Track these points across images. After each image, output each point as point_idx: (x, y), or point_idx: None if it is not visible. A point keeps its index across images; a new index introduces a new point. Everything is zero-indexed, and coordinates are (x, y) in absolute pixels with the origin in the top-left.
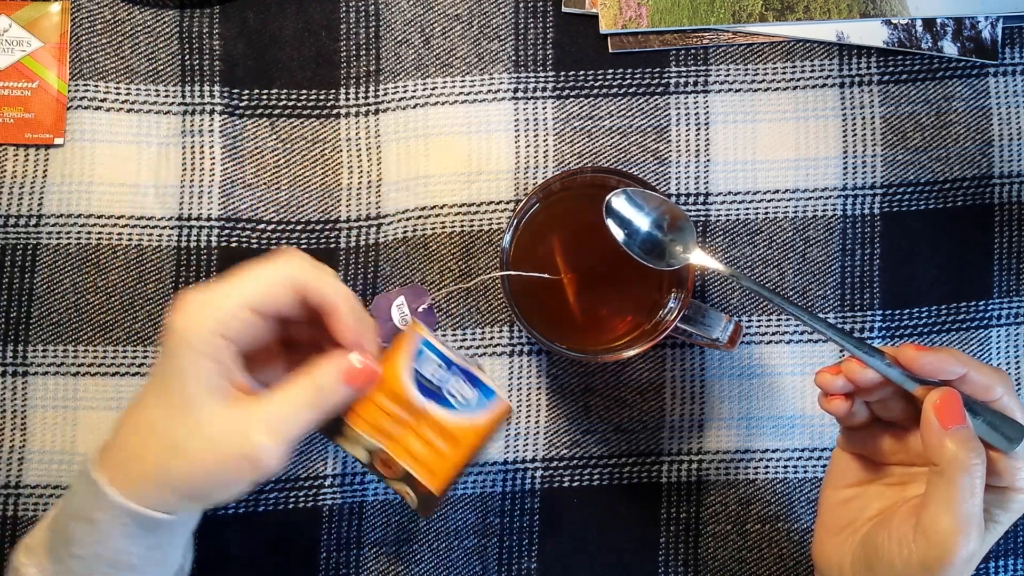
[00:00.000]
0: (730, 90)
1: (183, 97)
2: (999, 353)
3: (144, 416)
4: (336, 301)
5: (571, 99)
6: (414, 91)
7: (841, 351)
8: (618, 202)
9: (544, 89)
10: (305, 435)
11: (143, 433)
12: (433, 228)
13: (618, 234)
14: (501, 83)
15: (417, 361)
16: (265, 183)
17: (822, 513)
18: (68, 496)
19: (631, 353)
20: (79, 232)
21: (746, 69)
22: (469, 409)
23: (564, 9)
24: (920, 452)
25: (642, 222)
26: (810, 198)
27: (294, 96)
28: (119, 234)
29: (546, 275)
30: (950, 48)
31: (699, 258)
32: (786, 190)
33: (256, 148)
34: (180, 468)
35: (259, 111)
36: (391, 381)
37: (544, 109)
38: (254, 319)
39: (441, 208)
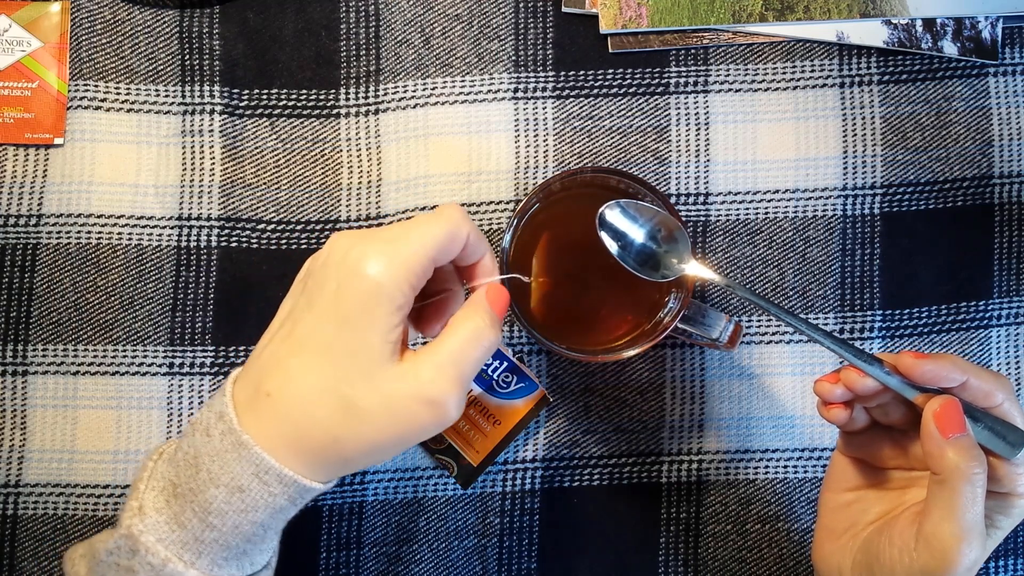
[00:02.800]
0: (730, 90)
1: (183, 97)
2: (999, 353)
3: (309, 370)
4: (485, 253)
5: (571, 99)
6: (414, 91)
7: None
8: (612, 215)
9: (544, 89)
10: (474, 375)
11: (308, 390)
12: None
13: (612, 247)
14: (501, 83)
15: None
16: (265, 183)
17: (822, 516)
18: (195, 455)
19: (631, 353)
20: (79, 232)
21: (746, 69)
22: (511, 396)
23: (564, 9)
24: (920, 457)
25: (636, 234)
26: (810, 198)
27: (294, 96)
28: (119, 234)
29: (539, 279)
30: (950, 48)
31: (694, 269)
32: (786, 190)
33: (256, 148)
34: (353, 432)
35: (259, 111)
36: None
37: (544, 109)
38: (430, 272)
39: None
